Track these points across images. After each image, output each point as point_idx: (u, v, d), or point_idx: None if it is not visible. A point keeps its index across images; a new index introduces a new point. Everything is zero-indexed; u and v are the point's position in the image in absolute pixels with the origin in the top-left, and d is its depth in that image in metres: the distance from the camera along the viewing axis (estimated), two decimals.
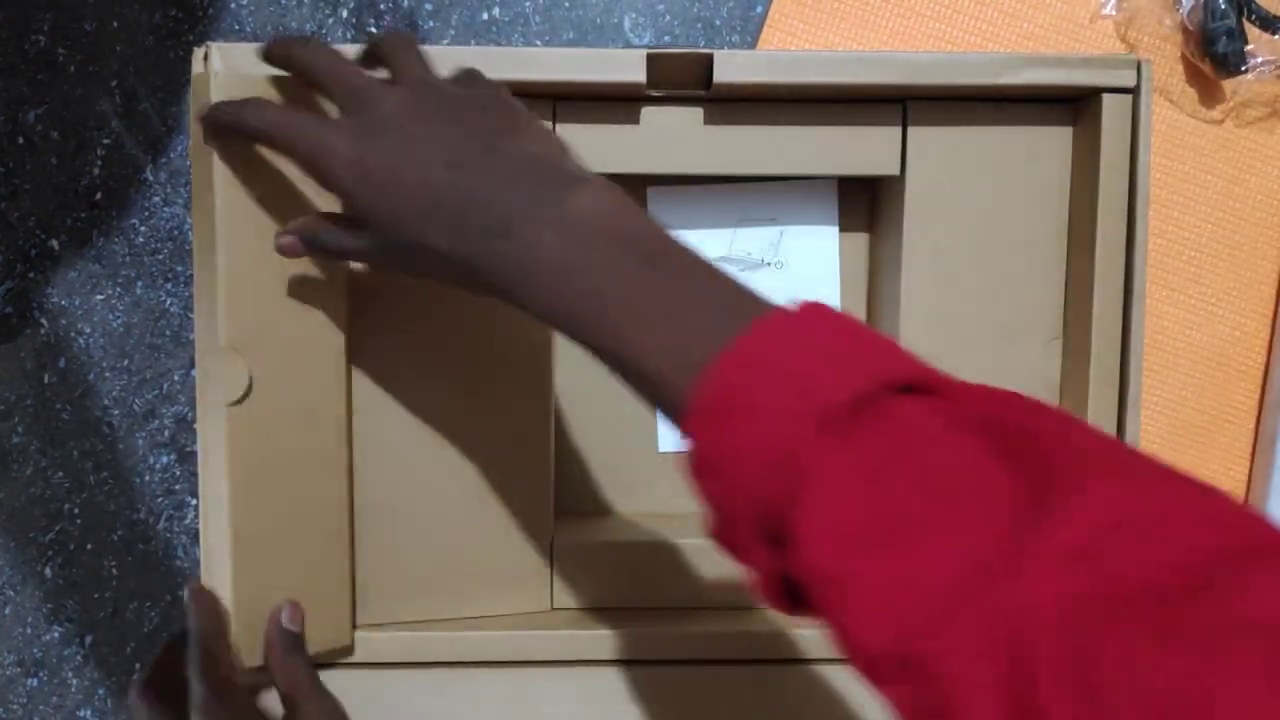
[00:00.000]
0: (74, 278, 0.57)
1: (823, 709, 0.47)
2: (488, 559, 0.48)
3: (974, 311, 0.48)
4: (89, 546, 0.58)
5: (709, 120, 0.47)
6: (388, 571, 0.48)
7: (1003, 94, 0.47)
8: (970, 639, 0.22)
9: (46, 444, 0.58)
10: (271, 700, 0.42)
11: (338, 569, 0.46)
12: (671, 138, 0.47)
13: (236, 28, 0.56)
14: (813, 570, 0.25)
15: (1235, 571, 0.20)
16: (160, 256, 0.57)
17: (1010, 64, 0.45)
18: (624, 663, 0.47)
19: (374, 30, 0.57)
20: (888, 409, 0.25)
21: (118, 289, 0.57)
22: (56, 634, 0.58)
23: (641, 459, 0.54)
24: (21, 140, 0.57)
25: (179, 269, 0.57)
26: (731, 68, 0.44)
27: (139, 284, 0.57)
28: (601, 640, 0.47)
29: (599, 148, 0.47)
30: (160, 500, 0.58)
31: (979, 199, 0.48)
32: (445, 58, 0.44)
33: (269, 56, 0.39)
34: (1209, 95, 0.57)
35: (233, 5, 0.56)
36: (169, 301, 0.57)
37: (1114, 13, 0.56)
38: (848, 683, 0.47)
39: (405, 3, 0.56)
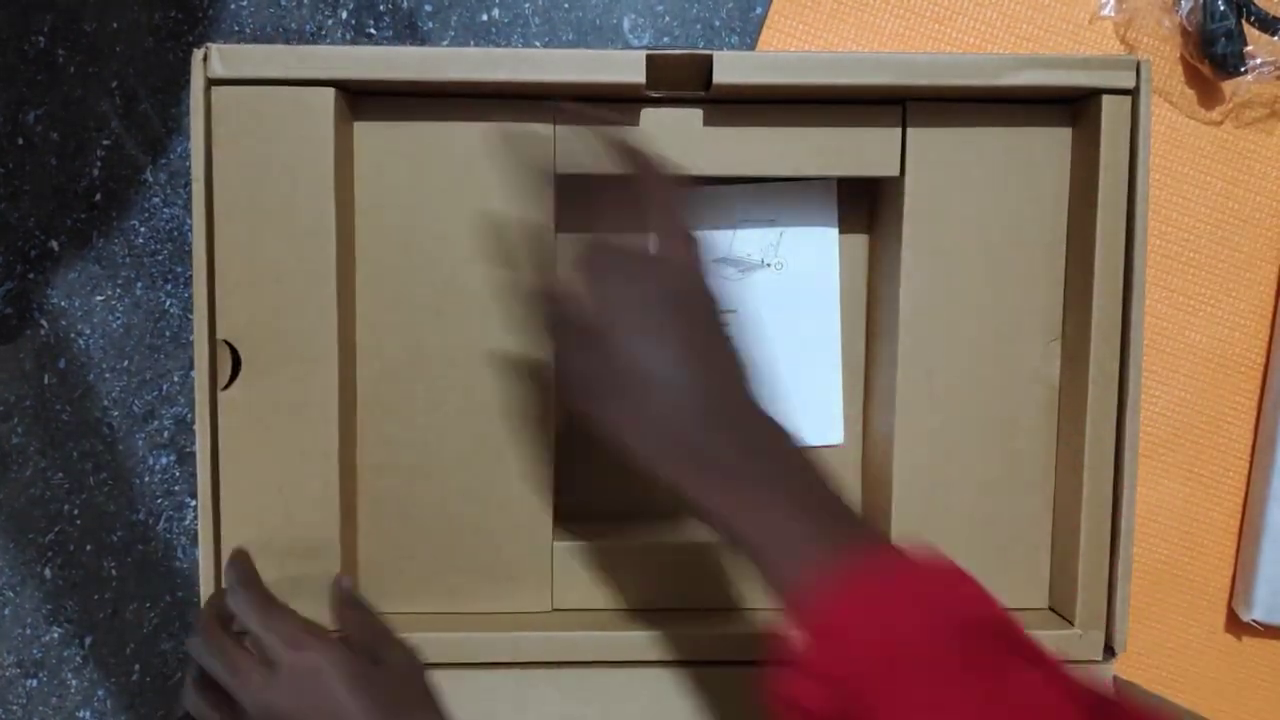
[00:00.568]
0: (74, 279, 0.57)
1: None
2: (488, 557, 0.48)
3: (973, 312, 0.48)
4: (88, 547, 0.58)
5: (708, 121, 0.48)
6: (388, 565, 0.48)
7: (1002, 95, 0.47)
8: None
9: (46, 445, 0.58)
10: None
11: (329, 559, 0.46)
12: (671, 139, 0.47)
13: (236, 29, 0.56)
14: None
15: None
16: (160, 257, 0.57)
17: (1009, 65, 0.45)
18: (624, 664, 0.47)
19: (373, 31, 0.57)
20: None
21: (117, 290, 0.57)
22: (56, 635, 0.58)
23: None
24: (21, 141, 0.57)
25: (179, 270, 0.57)
26: (731, 69, 0.45)
27: (139, 285, 0.57)
28: (601, 641, 0.47)
29: (598, 150, 0.47)
30: (160, 501, 0.58)
31: (978, 200, 0.48)
32: (445, 58, 0.44)
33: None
34: (1208, 96, 0.57)
35: (233, 6, 0.56)
36: (169, 302, 0.57)
37: (1113, 14, 0.56)
38: None
39: (405, 4, 0.56)
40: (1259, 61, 0.54)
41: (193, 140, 0.44)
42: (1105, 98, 0.45)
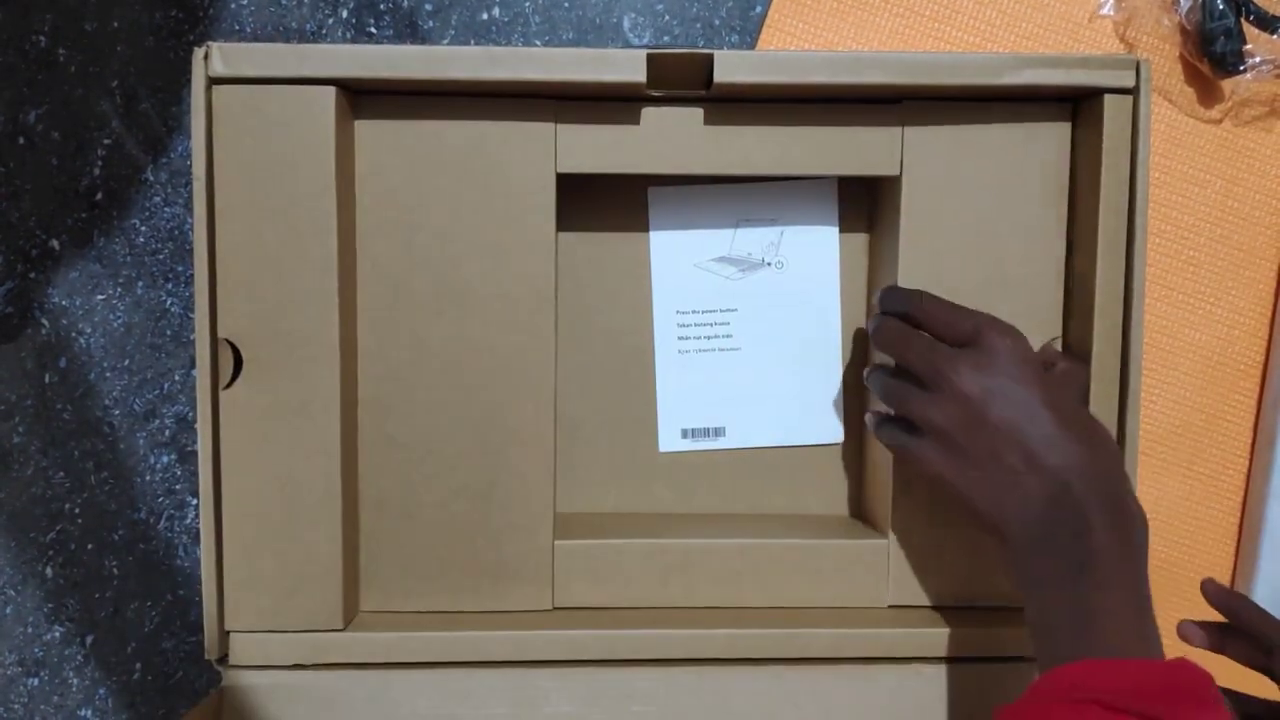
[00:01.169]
0: (75, 278, 0.57)
1: (821, 708, 0.47)
2: (489, 556, 0.49)
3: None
4: (90, 546, 0.58)
5: (709, 120, 0.48)
6: (390, 562, 0.48)
7: (1002, 94, 0.47)
8: None
9: (47, 444, 0.58)
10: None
11: (329, 554, 0.46)
12: (671, 138, 0.47)
13: (237, 28, 0.56)
14: None
15: None
16: (161, 256, 0.57)
17: (1009, 64, 0.45)
18: (625, 662, 0.47)
19: (374, 30, 0.57)
20: None
21: (118, 289, 0.57)
22: (57, 633, 0.58)
23: (643, 459, 0.54)
24: (22, 140, 0.57)
25: (179, 269, 0.57)
26: (731, 68, 0.45)
27: (139, 284, 0.57)
28: (602, 640, 0.47)
29: (599, 148, 0.47)
30: (161, 500, 0.58)
31: (978, 199, 0.48)
32: (446, 57, 0.44)
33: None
34: (1207, 95, 0.57)
35: (233, 5, 0.56)
36: (169, 301, 0.57)
37: (1112, 13, 0.56)
38: (844, 682, 0.47)
39: (405, 3, 0.56)
40: (1258, 60, 0.54)
41: (194, 139, 0.44)
42: (1105, 97, 0.46)
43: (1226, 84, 0.56)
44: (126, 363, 0.57)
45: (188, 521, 0.58)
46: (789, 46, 0.56)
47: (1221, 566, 0.59)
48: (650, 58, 0.44)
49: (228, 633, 0.46)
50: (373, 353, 0.48)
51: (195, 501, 0.58)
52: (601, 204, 0.53)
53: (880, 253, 0.52)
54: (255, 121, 0.44)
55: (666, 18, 0.56)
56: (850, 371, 0.54)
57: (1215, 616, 0.46)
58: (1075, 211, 0.48)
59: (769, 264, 0.53)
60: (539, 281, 0.48)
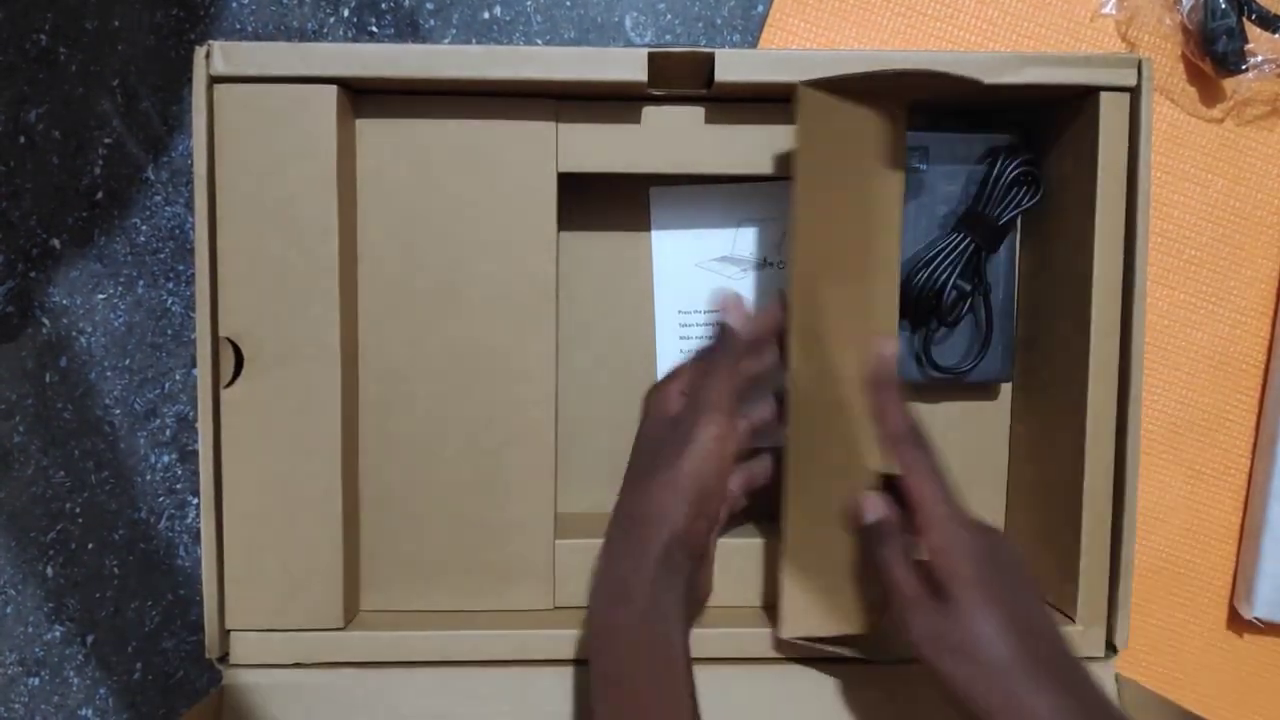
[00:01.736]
0: (75, 277, 0.57)
1: (822, 708, 0.47)
2: (490, 555, 0.49)
3: None
4: (90, 546, 0.58)
5: (710, 119, 0.48)
6: (390, 562, 0.48)
7: (1003, 93, 0.47)
8: None
9: (48, 443, 0.58)
10: None
11: (330, 553, 0.46)
12: (673, 137, 0.47)
13: (238, 27, 0.56)
14: None
15: None
16: (161, 256, 0.57)
17: (1011, 63, 0.45)
18: None
19: (375, 29, 0.57)
20: None
21: (119, 288, 0.57)
22: (58, 633, 0.58)
23: None
24: (23, 140, 0.57)
25: (180, 268, 0.57)
26: (733, 67, 0.45)
27: (140, 283, 0.57)
28: None
29: (600, 147, 0.47)
30: (162, 499, 0.58)
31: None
32: (447, 56, 0.44)
33: None
34: (1209, 94, 0.57)
35: (234, 4, 0.56)
36: (170, 301, 0.57)
37: (1114, 12, 0.56)
38: (843, 682, 0.47)
39: (406, 2, 0.56)
40: (1260, 59, 0.54)
41: (195, 138, 0.44)
42: (1106, 96, 0.45)
43: (1228, 83, 0.56)
44: (127, 362, 0.57)
45: (188, 521, 0.58)
46: (790, 46, 0.56)
47: (1223, 566, 0.59)
48: (651, 57, 0.44)
49: (228, 632, 0.46)
50: (373, 352, 0.48)
51: (196, 501, 0.58)
52: (603, 203, 0.52)
53: None
54: (256, 120, 0.44)
55: (668, 17, 0.56)
56: None
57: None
58: (1075, 211, 0.48)
59: (770, 264, 0.53)
60: (540, 281, 0.48)
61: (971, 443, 0.54)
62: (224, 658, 0.46)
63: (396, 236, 0.47)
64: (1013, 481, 0.54)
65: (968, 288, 0.49)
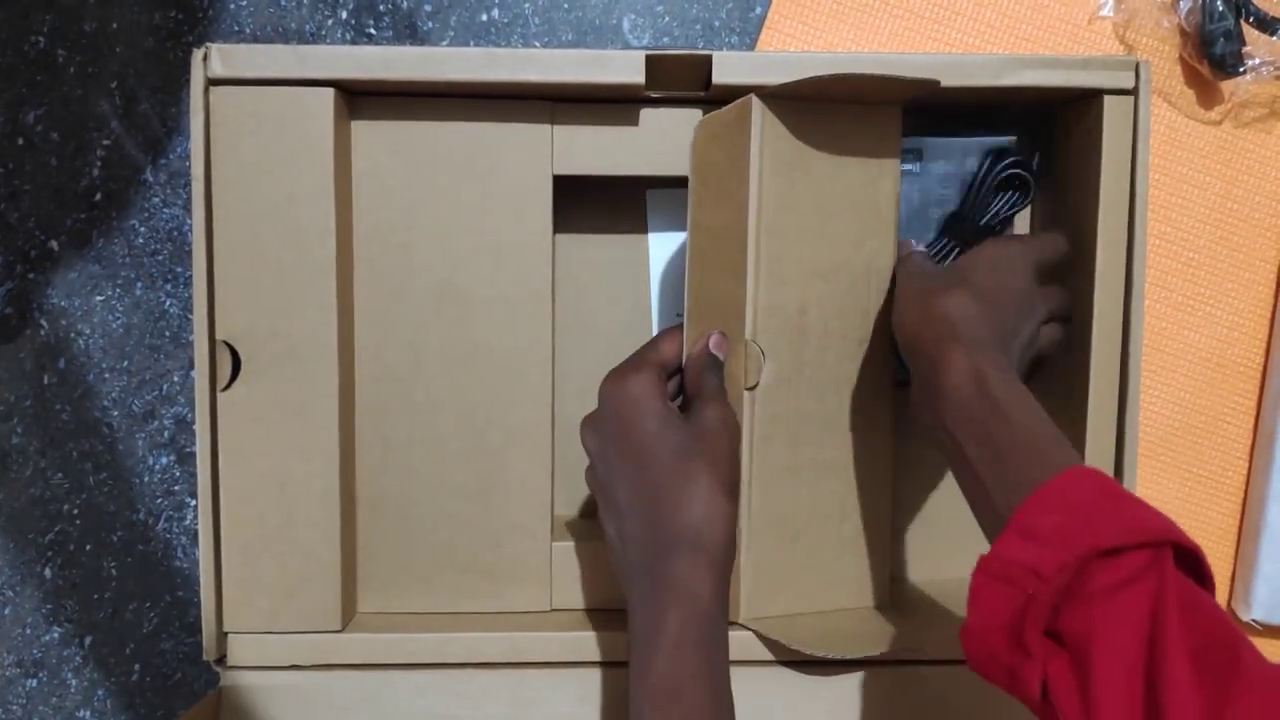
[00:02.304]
0: (74, 279, 0.57)
1: (821, 708, 0.47)
2: (487, 557, 0.49)
3: None
4: (88, 547, 0.58)
5: None
6: (388, 564, 0.48)
7: (1002, 96, 0.47)
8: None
9: (46, 445, 0.58)
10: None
11: (327, 555, 0.46)
12: (670, 139, 0.47)
13: (236, 29, 0.56)
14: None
15: None
16: (160, 257, 0.57)
17: (1009, 65, 0.45)
18: (624, 663, 0.47)
19: (373, 31, 0.57)
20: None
21: (117, 290, 0.57)
22: (56, 635, 0.58)
23: None
24: (21, 141, 0.57)
25: (178, 270, 0.57)
26: (730, 69, 0.45)
27: (138, 285, 0.57)
28: (601, 641, 0.47)
29: (598, 149, 0.47)
30: (160, 501, 0.58)
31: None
32: (445, 58, 0.44)
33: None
34: (1207, 96, 0.57)
35: (232, 6, 0.56)
36: (168, 302, 0.57)
37: (1112, 14, 0.56)
38: (844, 683, 0.47)
39: (405, 4, 0.56)
40: (1257, 61, 0.54)
41: (192, 140, 0.44)
42: (1105, 98, 0.46)
43: (1226, 85, 0.56)
44: (125, 364, 0.57)
45: (186, 522, 0.58)
46: (788, 48, 0.56)
47: (1221, 567, 0.59)
48: (649, 59, 0.44)
49: (226, 634, 0.46)
50: (370, 354, 0.48)
51: (194, 502, 0.58)
52: (600, 206, 0.52)
53: None
54: (254, 122, 0.44)
55: (666, 19, 0.56)
56: None
57: None
58: (1075, 212, 0.48)
59: None
60: (536, 283, 0.48)
61: None
62: (222, 659, 0.46)
63: (393, 239, 0.47)
64: None
65: None
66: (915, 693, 0.47)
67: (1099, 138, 0.46)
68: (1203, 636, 0.30)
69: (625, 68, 0.44)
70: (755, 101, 0.42)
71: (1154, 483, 0.58)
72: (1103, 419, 0.47)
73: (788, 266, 0.44)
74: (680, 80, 0.46)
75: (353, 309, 0.47)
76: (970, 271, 0.44)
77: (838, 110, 0.44)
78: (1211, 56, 0.54)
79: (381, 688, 0.46)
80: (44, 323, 0.57)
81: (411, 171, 0.47)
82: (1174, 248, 0.58)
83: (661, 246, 0.53)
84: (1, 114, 0.57)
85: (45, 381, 0.57)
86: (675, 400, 0.45)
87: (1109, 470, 0.47)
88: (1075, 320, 0.48)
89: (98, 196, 0.57)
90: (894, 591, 0.50)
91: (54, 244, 0.57)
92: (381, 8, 0.56)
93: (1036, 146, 0.50)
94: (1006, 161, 0.48)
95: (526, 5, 0.56)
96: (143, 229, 0.57)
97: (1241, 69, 0.54)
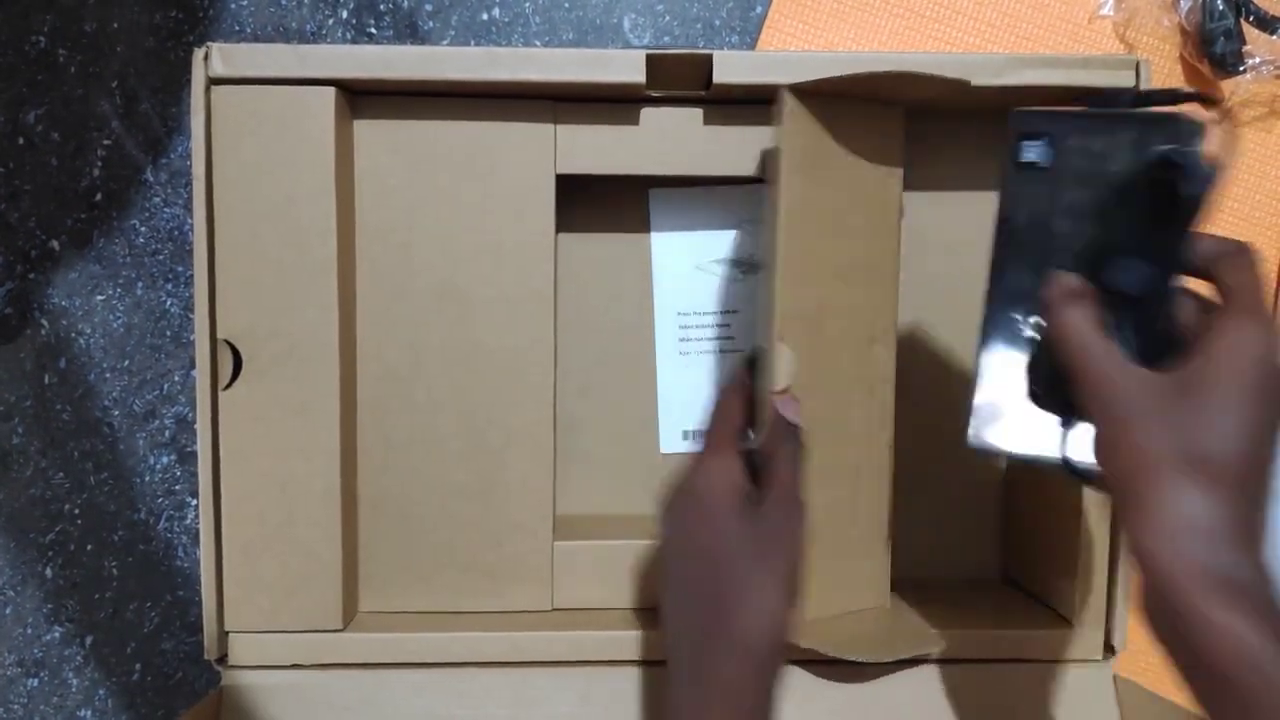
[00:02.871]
0: (74, 278, 0.57)
1: (821, 708, 0.47)
2: (488, 557, 0.49)
3: (976, 312, 0.48)
4: (89, 547, 0.58)
5: (709, 121, 0.48)
6: (389, 564, 0.48)
7: (1003, 96, 0.47)
8: None
9: (47, 445, 0.58)
10: None
11: (328, 555, 0.46)
12: (671, 138, 0.47)
13: (237, 28, 0.56)
14: None
15: None
16: (160, 257, 0.57)
17: (1009, 65, 0.45)
18: (624, 663, 0.47)
19: (374, 31, 0.57)
20: None
21: (118, 290, 0.57)
22: (57, 634, 0.58)
23: (643, 459, 0.54)
24: (22, 141, 0.57)
25: (179, 269, 0.57)
26: (731, 68, 0.45)
27: (139, 285, 0.57)
28: (602, 641, 0.47)
29: (599, 148, 0.47)
30: (160, 501, 0.58)
31: (979, 198, 0.48)
32: (446, 58, 0.44)
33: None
34: None
35: (233, 6, 0.56)
36: (169, 302, 0.57)
37: (1112, 13, 0.56)
38: (844, 682, 0.47)
39: (405, 4, 0.56)
40: (1257, 60, 0.54)
41: (193, 139, 0.44)
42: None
43: (1226, 84, 0.56)
44: (126, 363, 0.57)
45: (187, 522, 0.58)
46: (789, 47, 0.56)
47: None
48: (650, 58, 0.44)
49: (227, 633, 0.46)
50: (372, 353, 0.48)
51: (195, 502, 0.58)
52: (602, 205, 0.53)
53: None
54: (255, 122, 0.44)
55: (667, 18, 0.56)
56: None
57: None
58: None
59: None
60: (538, 282, 0.48)
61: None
62: (223, 659, 0.46)
63: (395, 238, 0.47)
64: (1010, 481, 0.54)
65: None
66: (923, 691, 0.47)
67: None
68: None
69: (626, 67, 0.44)
70: (786, 95, 0.42)
71: None
72: None
73: (809, 265, 0.43)
74: (681, 79, 0.46)
75: (354, 308, 0.47)
76: (1219, 417, 0.31)
77: (853, 108, 0.44)
78: (1212, 55, 0.54)
79: (382, 687, 0.46)
80: (45, 322, 0.57)
81: (413, 171, 0.47)
82: None
83: (664, 245, 0.53)
84: (2, 113, 0.57)
85: (46, 381, 0.57)
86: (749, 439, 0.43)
87: None
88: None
89: (98, 196, 0.57)
90: (894, 592, 0.50)
91: (55, 244, 0.57)
92: (382, 7, 0.56)
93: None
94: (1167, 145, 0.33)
95: (527, 4, 0.56)
96: (143, 228, 0.57)
97: (1242, 68, 0.54)
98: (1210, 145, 0.33)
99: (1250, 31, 0.54)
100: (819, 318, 0.44)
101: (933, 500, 0.54)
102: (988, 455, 0.39)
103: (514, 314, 0.48)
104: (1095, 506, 0.47)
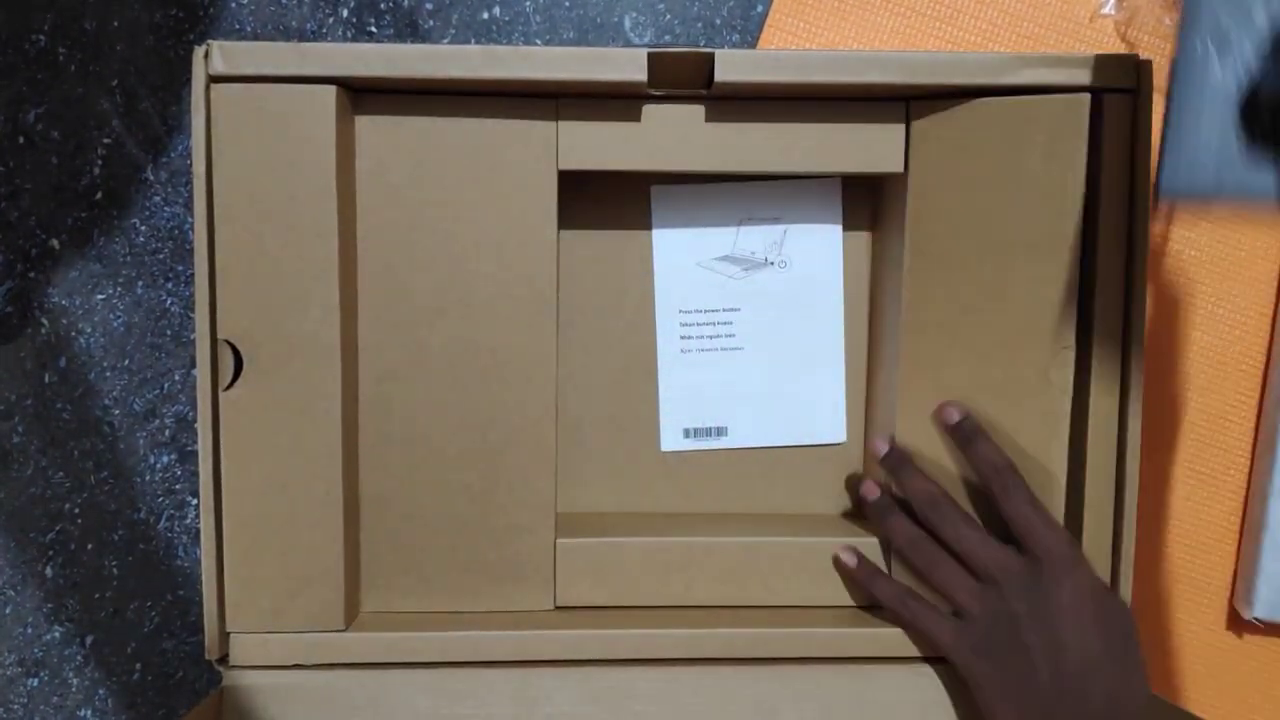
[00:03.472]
0: (74, 277, 0.57)
1: (821, 708, 0.47)
2: (490, 556, 0.48)
3: (977, 311, 0.48)
4: (89, 546, 0.58)
5: (710, 119, 0.47)
6: (390, 563, 0.48)
7: (1003, 93, 0.47)
8: None
9: (47, 444, 0.58)
10: None
11: (330, 554, 0.46)
12: (673, 136, 0.47)
13: (237, 27, 0.56)
14: None
15: None
16: (161, 256, 0.57)
17: (1010, 64, 0.45)
18: (626, 662, 0.47)
19: (374, 29, 0.57)
20: None
21: (118, 288, 0.57)
22: (57, 634, 0.58)
23: (644, 458, 0.54)
24: (22, 140, 0.57)
25: (179, 268, 0.57)
26: (732, 67, 0.44)
27: (139, 283, 0.57)
28: (603, 640, 0.47)
29: (600, 146, 0.47)
30: (161, 500, 0.58)
31: (982, 198, 0.48)
32: (447, 56, 0.44)
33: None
34: None
35: (233, 4, 0.56)
36: (169, 301, 0.57)
37: (1114, 12, 0.56)
38: (845, 682, 0.47)
39: (406, 2, 0.56)
40: None
41: (194, 138, 0.44)
42: (1106, 97, 0.45)
43: None
44: (126, 362, 0.57)
45: (188, 521, 0.58)
46: (790, 45, 0.56)
47: (1223, 567, 0.59)
48: (651, 57, 0.44)
49: (228, 633, 0.46)
50: (373, 352, 0.48)
51: (195, 501, 0.58)
52: (603, 202, 0.52)
53: (884, 251, 0.52)
54: (255, 120, 0.44)
55: (668, 17, 0.56)
56: (852, 371, 0.54)
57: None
58: (1075, 213, 0.48)
59: (772, 263, 0.53)
60: (540, 280, 0.48)
61: None
62: (224, 659, 0.46)
63: (396, 236, 0.47)
64: None
65: None
66: (923, 691, 0.47)
67: (1100, 137, 0.46)
68: None
69: (627, 66, 0.44)
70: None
71: (1155, 482, 0.58)
72: (1103, 419, 0.47)
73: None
74: (682, 78, 0.46)
75: (356, 307, 0.47)
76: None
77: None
78: None
79: (385, 687, 0.46)
80: (45, 321, 0.57)
81: (415, 168, 0.47)
82: (1175, 246, 0.58)
83: (665, 243, 0.53)
84: (2, 112, 0.56)
85: (46, 380, 0.57)
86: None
87: (1109, 469, 0.47)
88: (1076, 319, 0.47)
89: (98, 195, 0.57)
90: None
91: (55, 242, 0.57)
92: (382, 6, 0.56)
93: None
94: None
95: (528, 3, 0.56)
96: (144, 227, 0.57)
97: None
98: None
99: None
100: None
101: None
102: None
103: (515, 311, 0.48)
104: (1094, 508, 0.47)
